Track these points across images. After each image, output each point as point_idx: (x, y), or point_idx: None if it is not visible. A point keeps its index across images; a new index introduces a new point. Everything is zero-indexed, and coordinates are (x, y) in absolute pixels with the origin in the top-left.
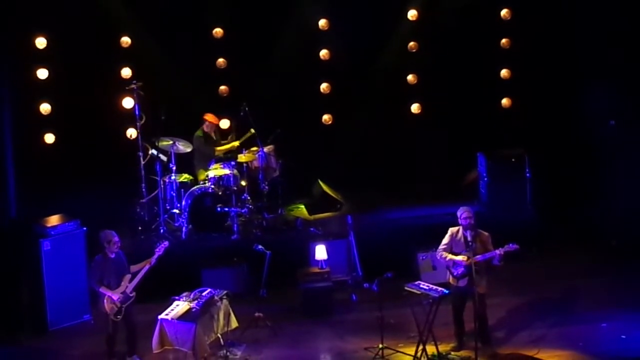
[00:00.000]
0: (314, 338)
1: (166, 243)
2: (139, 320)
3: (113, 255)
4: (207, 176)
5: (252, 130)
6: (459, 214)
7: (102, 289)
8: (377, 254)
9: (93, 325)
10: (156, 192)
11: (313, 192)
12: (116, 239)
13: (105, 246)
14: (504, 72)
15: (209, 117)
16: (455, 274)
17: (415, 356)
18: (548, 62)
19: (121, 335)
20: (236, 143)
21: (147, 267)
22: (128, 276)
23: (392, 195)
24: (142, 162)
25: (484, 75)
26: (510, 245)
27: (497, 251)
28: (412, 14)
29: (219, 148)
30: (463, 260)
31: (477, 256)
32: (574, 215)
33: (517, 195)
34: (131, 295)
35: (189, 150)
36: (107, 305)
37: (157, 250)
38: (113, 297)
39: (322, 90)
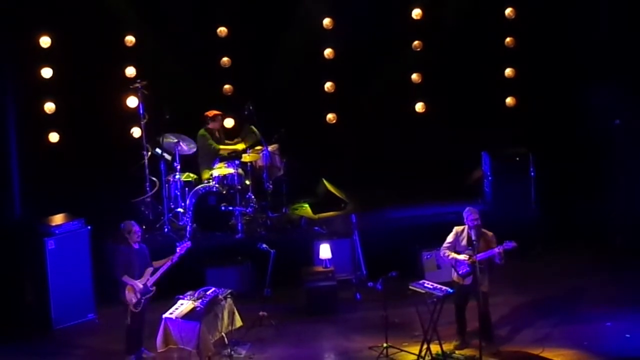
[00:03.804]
0: (318, 337)
1: (188, 243)
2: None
3: (136, 246)
4: (212, 175)
5: (254, 128)
6: (465, 214)
7: (126, 278)
8: (382, 252)
9: (97, 324)
10: (160, 190)
11: (317, 191)
12: (136, 228)
13: (127, 237)
14: (508, 71)
15: (211, 112)
16: (460, 272)
17: (419, 355)
18: (553, 61)
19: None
20: (241, 145)
21: (168, 263)
22: (150, 269)
23: (396, 194)
24: (146, 161)
25: (488, 74)
26: (508, 243)
27: (496, 249)
28: (416, 13)
29: (223, 147)
30: (465, 260)
31: (478, 255)
32: (578, 213)
33: (521, 194)
34: (151, 289)
35: (193, 149)
36: (127, 295)
37: (179, 249)
38: (135, 286)
39: (326, 89)
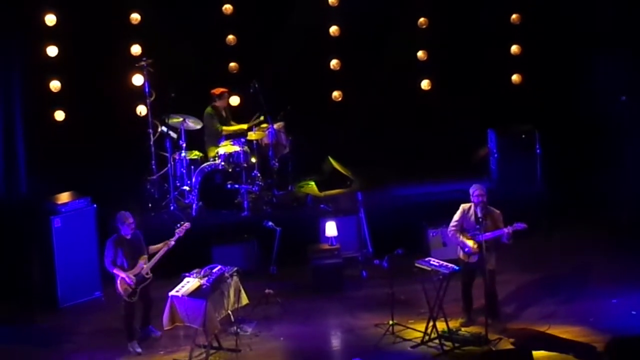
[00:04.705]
0: (324, 314)
1: (187, 225)
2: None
3: (129, 236)
4: (217, 153)
5: (262, 118)
6: (471, 191)
7: (116, 270)
8: (387, 230)
9: (104, 302)
10: (166, 169)
11: (323, 168)
12: (131, 220)
13: (120, 227)
14: (515, 48)
15: (218, 90)
16: (466, 250)
17: (425, 332)
18: (558, 38)
19: (137, 312)
20: (244, 126)
21: (165, 249)
22: (144, 257)
23: (402, 171)
24: (152, 139)
25: (494, 51)
26: (518, 224)
27: (505, 230)
28: None
29: (226, 128)
30: (472, 248)
31: (486, 234)
32: (584, 191)
33: (527, 171)
34: (147, 276)
35: (199, 127)
36: (120, 287)
37: (178, 231)
38: (126, 279)
39: (332, 66)
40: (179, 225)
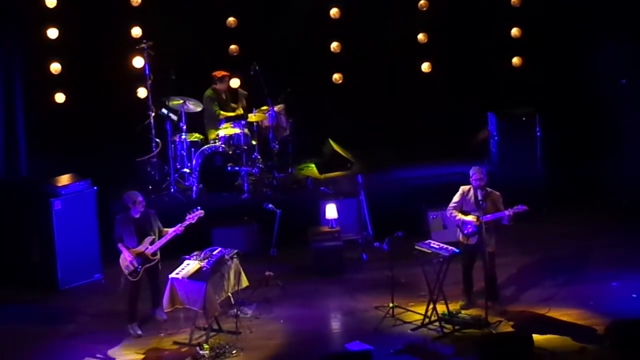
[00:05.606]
0: (324, 297)
1: (201, 212)
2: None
3: (137, 215)
4: (218, 135)
5: (242, 91)
6: (470, 173)
7: (120, 246)
8: (388, 213)
9: (104, 285)
10: (158, 149)
11: (323, 151)
12: (140, 198)
13: (130, 206)
14: (515, 31)
15: (219, 73)
16: (465, 232)
17: (425, 315)
18: (559, 21)
19: (144, 294)
20: (240, 111)
21: (172, 233)
22: (149, 238)
23: (403, 154)
24: (152, 121)
25: (494, 34)
26: (520, 206)
27: (506, 212)
28: None
29: (224, 113)
30: (473, 221)
31: (487, 215)
32: (585, 174)
33: (528, 154)
34: (153, 258)
35: (199, 109)
36: (122, 264)
37: (189, 217)
38: (126, 257)
39: (332, 49)
40: (192, 211)
